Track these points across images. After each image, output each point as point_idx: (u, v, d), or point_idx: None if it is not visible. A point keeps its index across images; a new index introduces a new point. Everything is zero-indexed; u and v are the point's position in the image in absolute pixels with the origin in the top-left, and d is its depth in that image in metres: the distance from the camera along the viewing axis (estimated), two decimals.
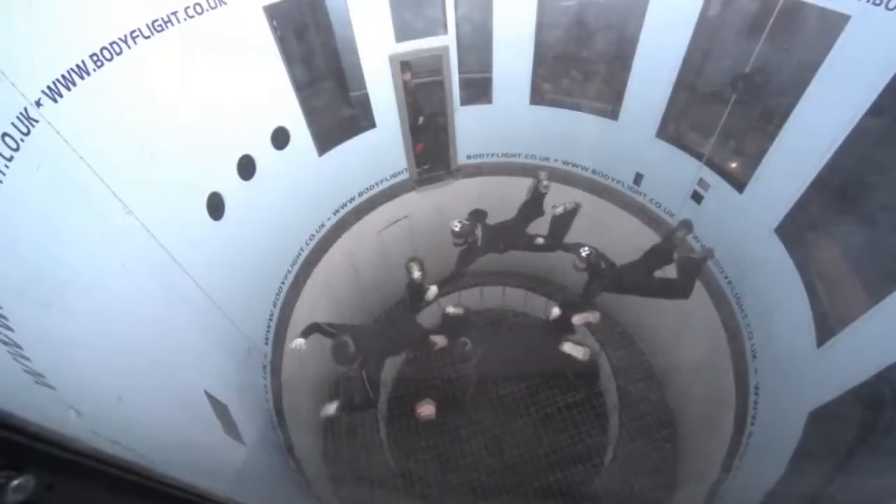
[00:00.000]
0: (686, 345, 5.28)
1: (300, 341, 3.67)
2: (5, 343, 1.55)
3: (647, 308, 5.84)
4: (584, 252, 4.14)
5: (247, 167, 3.78)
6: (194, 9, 3.02)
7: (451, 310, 4.53)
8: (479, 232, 4.52)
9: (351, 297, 5.93)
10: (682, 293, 4.43)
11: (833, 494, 2.77)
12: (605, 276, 4.25)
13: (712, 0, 3.73)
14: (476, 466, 5.59)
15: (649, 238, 5.19)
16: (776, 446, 3.41)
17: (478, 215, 4.72)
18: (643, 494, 4.99)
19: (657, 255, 4.53)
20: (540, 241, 4.86)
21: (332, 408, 3.88)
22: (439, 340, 4.37)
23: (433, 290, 4.54)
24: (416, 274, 4.44)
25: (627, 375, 5.90)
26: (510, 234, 4.88)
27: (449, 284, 5.01)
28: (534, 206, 4.88)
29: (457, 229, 4.34)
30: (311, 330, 3.77)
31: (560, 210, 4.76)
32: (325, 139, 4.68)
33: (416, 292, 4.55)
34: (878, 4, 2.65)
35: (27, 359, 1.60)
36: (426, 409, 3.87)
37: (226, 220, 3.54)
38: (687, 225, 4.46)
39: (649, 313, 5.89)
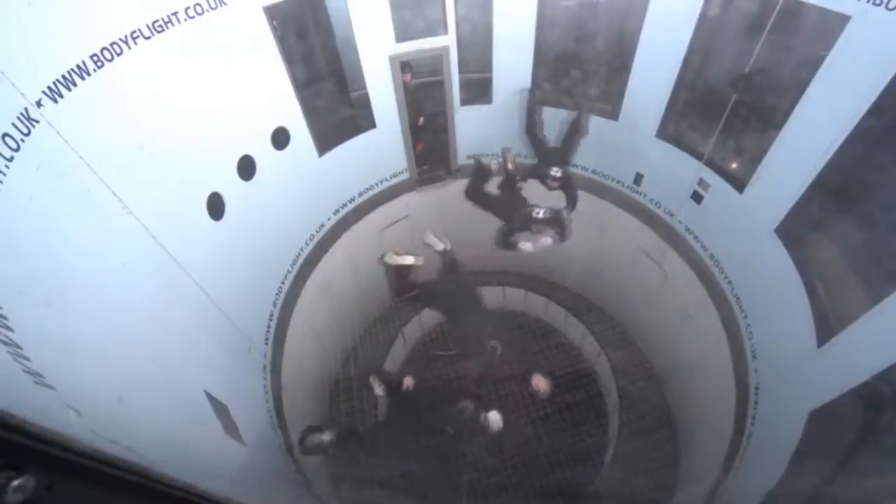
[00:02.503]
0: (686, 345, 5.28)
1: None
2: (5, 343, 1.55)
3: (647, 308, 5.85)
4: (557, 174, 4.68)
5: (247, 167, 3.78)
6: (194, 9, 3.02)
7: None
8: None
9: (351, 297, 5.93)
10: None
11: (833, 494, 2.77)
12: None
13: (712, 0, 3.73)
14: (476, 466, 5.59)
15: (649, 238, 5.20)
16: (776, 446, 3.41)
17: None
18: (643, 494, 4.99)
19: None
20: (557, 173, 5.04)
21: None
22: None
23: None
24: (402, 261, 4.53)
25: (627, 375, 5.90)
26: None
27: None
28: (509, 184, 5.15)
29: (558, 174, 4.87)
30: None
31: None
32: (325, 139, 4.68)
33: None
34: (878, 4, 2.66)
35: (27, 359, 1.60)
36: (542, 384, 4.01)
37: (226, 220, 3.54)
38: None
39: (649, 313, 5.90)
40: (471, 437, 3.93)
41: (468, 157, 5.81)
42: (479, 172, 5.25)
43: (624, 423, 5.48)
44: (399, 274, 4.46)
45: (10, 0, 1.96)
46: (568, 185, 4.91)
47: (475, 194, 5.30)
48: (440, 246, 4.50)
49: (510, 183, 5.23)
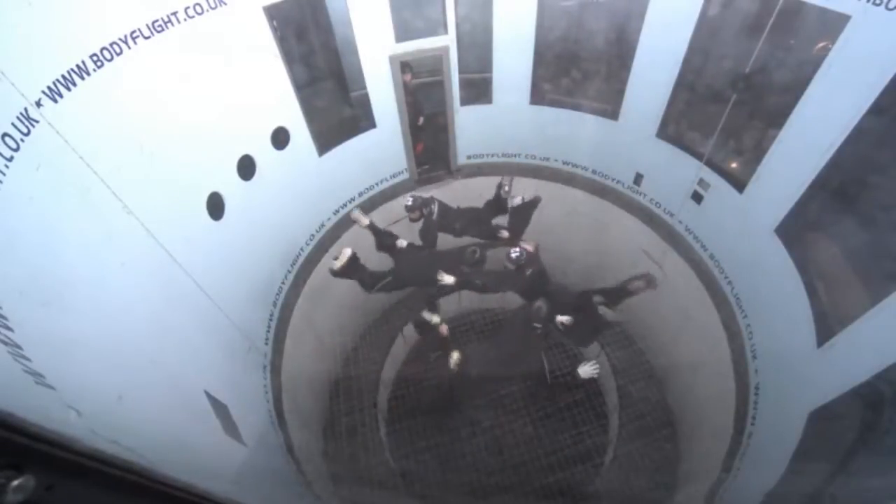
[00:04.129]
0: (686, 345, 5.28)
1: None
2: (5, 343, 1.55)
3: (647, 308, 5.84)
4: (514, 253, 4.18)
5: (247, 167, 3.78)
6: (194, 9, 3.02)
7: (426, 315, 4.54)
8: (434, 208, 4.60)
9: (351, 297, 5.93)
10: (581, 340, 4.60)
11: (833, 494, 2.77)
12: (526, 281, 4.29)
13: (712, 0, 3.73)
14: (476, 466, 5.59)
15: (649, 238, 5.19)
16: (776, 446, 3.42)
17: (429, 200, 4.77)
18: (643, 494, 4.99)
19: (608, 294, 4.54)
20: (504, 234, 4.84)
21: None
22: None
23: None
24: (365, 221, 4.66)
25: (627, 375, 5.90)
26: (471, 218, 4.92)
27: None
28: (496, 204, 4.92)
29: (409, 203, 4.52)
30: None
31: (518, 201, 4.73)
32: (325, 139, 4.68)
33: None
34: (878, 4, 2.66)
35: (27, 359, 1.60)
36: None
37: (226, 220, 3.54)
38: (647, 279, 4.43)
39: (649, 313, 5.89)
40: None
41: (468, 157, 5.81)
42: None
43: (624, 423, 5.48)
44: (360, 270, 4.55)
45: (9, 0, 1.96)
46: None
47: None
48: (364, 221, 4.59)
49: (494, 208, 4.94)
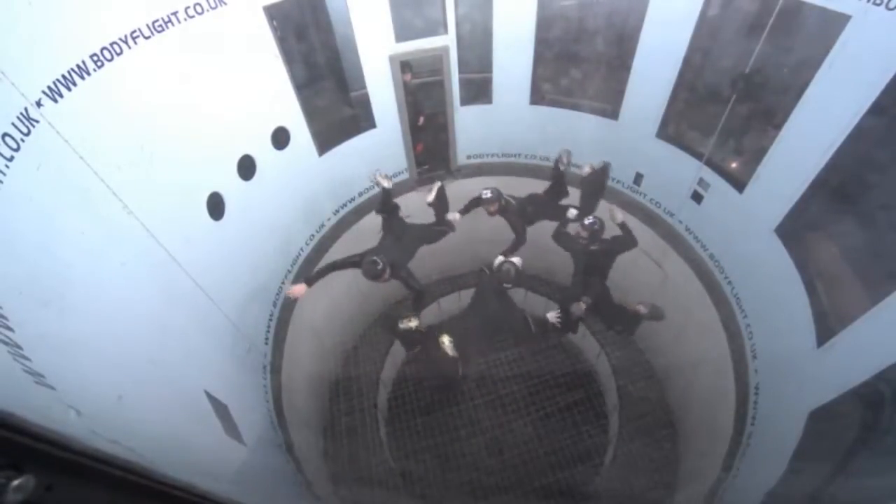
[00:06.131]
0: (686, 345, 5.28)
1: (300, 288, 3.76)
2: (5, 343, 1.55)
3: None
4: (588, 220, 4.20)
5: (247, 167, 3.78)
6: (194, 9, 3.02)
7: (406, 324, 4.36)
8: (508, 197, 4.50)
9: (351, 297, 5.93)
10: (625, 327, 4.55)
11: (833, 494, 2.77)
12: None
13: (712, 0, 3.73)
14: (476, 466, 5.59)
15: (649, 238, 5.19)
16: (776, 446, 3.41)
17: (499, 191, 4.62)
18: (643, 494, 4.99)
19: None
20: (572, 213, 4.61)
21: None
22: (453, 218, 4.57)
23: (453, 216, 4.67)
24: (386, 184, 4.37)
25: (627, 375, 5.91)
26: (538, 204, 4.77)
27: (513, 253, 4.64)
28: (557, 185, 4.74)
29: (489, 195, 4.30)
30: (327, 271, 3.88)
31: (587, 170, 4.53)
32: (326, 139, 4.68)
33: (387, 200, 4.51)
34: (878, 4, 2.66)
35: (27, 359, 1.60)
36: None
37: (226, 220, 3.54)
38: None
39: None
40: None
41: (468, 157, 5.81)
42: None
43: (624, 423, 5.49)
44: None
45: (10, 0, 1.96)
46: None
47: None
48: (385, 183, 4.33)
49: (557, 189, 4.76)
